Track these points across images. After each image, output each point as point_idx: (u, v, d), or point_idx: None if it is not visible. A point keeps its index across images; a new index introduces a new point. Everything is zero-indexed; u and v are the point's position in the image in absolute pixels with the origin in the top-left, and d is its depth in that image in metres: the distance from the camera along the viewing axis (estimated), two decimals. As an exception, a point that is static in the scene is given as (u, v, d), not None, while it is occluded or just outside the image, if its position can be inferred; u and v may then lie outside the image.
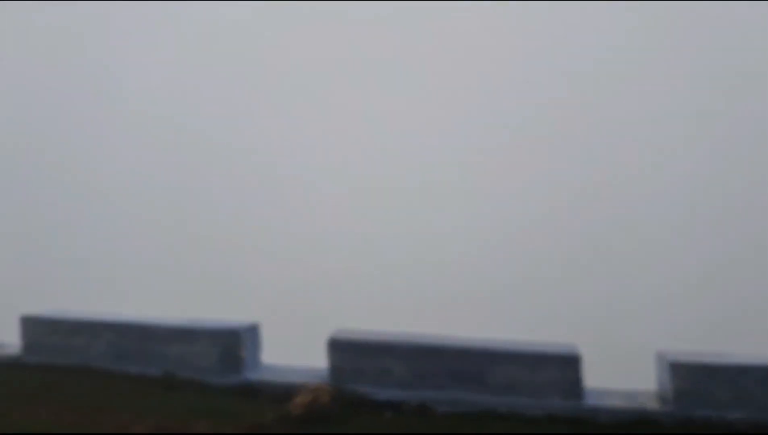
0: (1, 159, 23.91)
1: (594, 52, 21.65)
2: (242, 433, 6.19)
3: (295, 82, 23.54)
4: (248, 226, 21.40)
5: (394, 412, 6.88)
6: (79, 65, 24.83)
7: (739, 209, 18.36)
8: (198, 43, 24.58)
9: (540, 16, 23.94)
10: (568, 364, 6.81)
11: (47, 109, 24.54)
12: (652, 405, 6.85)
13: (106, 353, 7.58)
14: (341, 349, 7.15)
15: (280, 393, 7.18)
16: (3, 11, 24.23)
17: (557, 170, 20.50)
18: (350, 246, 21.02)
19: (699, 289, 17.42)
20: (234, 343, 7.34)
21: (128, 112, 23.19)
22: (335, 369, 7.17)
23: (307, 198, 21.60)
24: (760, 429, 6.32)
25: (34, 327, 7.79)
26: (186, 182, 22.50)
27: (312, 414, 6.47)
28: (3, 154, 23.90)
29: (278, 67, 23.97)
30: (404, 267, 20.42)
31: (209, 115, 23.02)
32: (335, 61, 23.62)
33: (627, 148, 20.37)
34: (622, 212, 19.59)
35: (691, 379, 6.54)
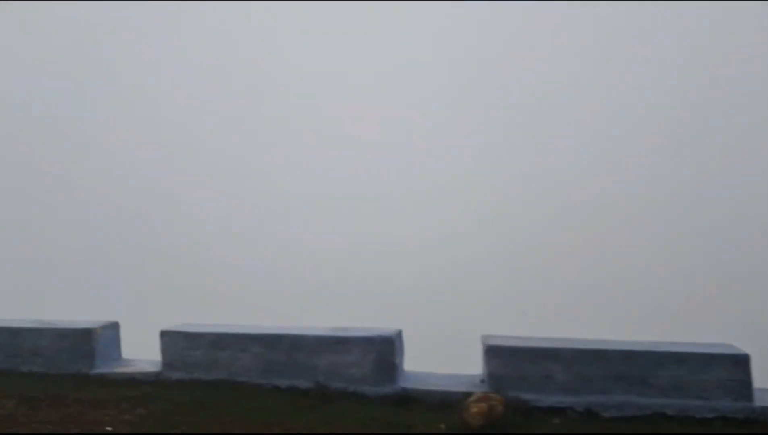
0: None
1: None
2: (427, 445, 6.05)
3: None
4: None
5: (561, 418, 6.77)
6: (79, 65, 24.63)
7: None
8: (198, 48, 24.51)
9: (538, 16, 24.03)
10: (737, 365, 6.72)
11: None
12: None
13: (252, 367, 7.36)
14: (501, 355, 7.00)
15: (436, 402, 7.05)
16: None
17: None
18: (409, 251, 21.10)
19: None
20: (388, 351, 7.16)
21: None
22: (494, 376, 7.03)
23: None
24: None
25: (175, 342, 7.55)
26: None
27: (490, 424, 6.33)
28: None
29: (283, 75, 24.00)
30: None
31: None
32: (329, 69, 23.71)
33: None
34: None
35: None
